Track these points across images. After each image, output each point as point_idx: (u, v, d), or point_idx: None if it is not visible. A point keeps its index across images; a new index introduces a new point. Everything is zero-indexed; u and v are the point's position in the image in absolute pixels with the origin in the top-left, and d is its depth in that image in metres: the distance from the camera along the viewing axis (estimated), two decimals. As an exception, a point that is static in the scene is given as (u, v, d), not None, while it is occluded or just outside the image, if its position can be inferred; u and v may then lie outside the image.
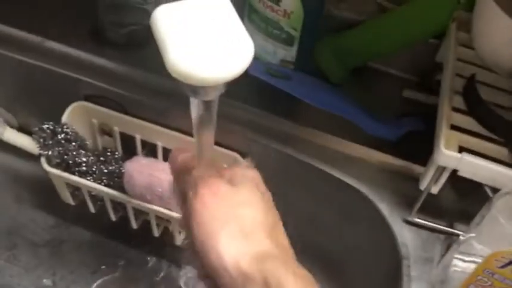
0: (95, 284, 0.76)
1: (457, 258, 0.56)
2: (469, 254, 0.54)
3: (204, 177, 0.41)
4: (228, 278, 0.37)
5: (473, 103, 0.56)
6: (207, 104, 0.38)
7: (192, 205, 0.39)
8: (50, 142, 0.69)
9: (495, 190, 0.52)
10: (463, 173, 0.54)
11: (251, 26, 0.68)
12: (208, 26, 0.34)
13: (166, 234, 0.75)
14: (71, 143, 0.70)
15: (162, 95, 0.68)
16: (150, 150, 0.73)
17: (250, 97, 0.68)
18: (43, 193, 0.79)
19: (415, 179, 0.60)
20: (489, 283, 0.51)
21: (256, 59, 0.70)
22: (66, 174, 0.69)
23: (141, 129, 0.71)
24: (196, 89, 0.35)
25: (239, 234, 0.38)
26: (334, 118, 0.66)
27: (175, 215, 0.66)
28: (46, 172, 0.69)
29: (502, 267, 0.48)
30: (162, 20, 0.34)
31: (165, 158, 0.71)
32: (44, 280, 0.76)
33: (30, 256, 0.77)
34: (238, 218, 0.39)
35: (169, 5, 0.35)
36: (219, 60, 0.32)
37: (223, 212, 0.39)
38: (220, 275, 0.37)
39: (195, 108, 0.38)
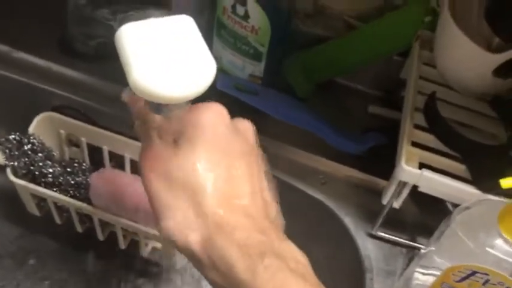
0: (60, 296, 0.75)
1: (418, 271, 0.57)
2: (430, 268, 0.55)
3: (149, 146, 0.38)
4: (178, 249, 0.36)
5: (433, 120, 0.58)
6: (170, 118, 0.38)
7: (142, 174, 0.38)
8: (16, 153, 0.68)
9: (456, 205, 0.54)
10: (423, 188, 0.55)
11: (220, 41, 0.69)
12: (171, 45, 0.35)
13: (133, 246, 0.75)
14: (37, 154, 0.70)
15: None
16: (118, 161, 0.73)
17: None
18: (8, 204, 0.78)
19: (379, 193, 0.62)
20: (447, 296, 0.52)
21: (225, 73, 0.71)
22: (32, 185, 0.68)
23: (109, 141, 0.71)
24: (159, 106, 0.35)
25: (188, 207, 0.36)
26: (300, 132, 0.67)
27: (142, 227, 0.66)
28: (12, 183, 0.68)
29: (459, 281, 0.50)
30: (127, 38, 0.35)
31: (133, 170, 0.71)
32: (8, 291, 0.75)
33: (-5, 268, 0.76)
34: (187, 187, 0.36)
35: (134, 23, 0.36)
36: (181, 78, 0.33)
37: (170, 183, 0.36)
38: (171, 244, 0.37)
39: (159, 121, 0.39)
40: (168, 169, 0.37)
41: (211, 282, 0.36)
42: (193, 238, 0.35)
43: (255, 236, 0.35)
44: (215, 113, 0.38)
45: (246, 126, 0.40)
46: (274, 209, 0.39)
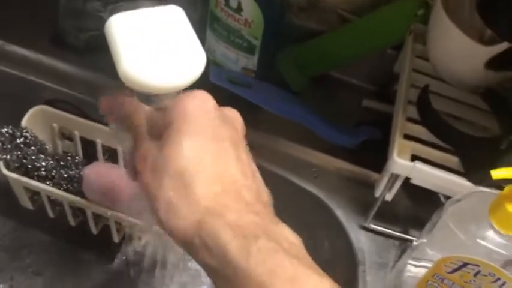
0: (53, 289, 0.75)
1: (410, 263, 0.57)
2: (422, 260, 0.55)
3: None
4: (170, 235, 0.36)
5: (425, 113, 0.58)
6: (160, 111, 0.38)
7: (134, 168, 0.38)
8: (9, 146, 0.68)
9: (448, 197, 0.54)
10: (416, 180, 0.55)
11: (213, 34, 0.69)
12: (161, 35, 0.34)
13: (126, 239, 0.75)
14: (30, 147, 0.70)
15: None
16: (111, 155, 0.73)
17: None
18: (1, 197, 0.78)
19: (372, 186, 0.62)
20: (439, 288, 0.52)
21: (218, 66, 0.71)
22: (25, 179, 0.68)
23: (102, 134, 0.71)
24: (148, 97, 0.35)
25: (178, 194, 0.36)
26: (293, 126, 0.67)
27: (135, 220, 0.66)
28: (4, 176, 0.68)
29: (451, 272, 0.50)
30: (116, 28, 0.35)
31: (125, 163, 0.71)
32: (1, 285, 0.75)
33: (-13, 262, 0.76)
34: (176, 175, 0.36)
35: (124, 13, 0.35)
36: (171, 68, 0.33)
37: (159, 171, 0.36)
38: (168, 233, 0.37)
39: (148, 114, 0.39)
40: (157, 161, 0.37)
41: (204, 266, 0.36)
42: (186, 223, 0.35)
43: (248, 217, 0.35)
44: (200, 101, 0.38)
45: (234, 115, 0.40)
46: (265, 194, 0.39)
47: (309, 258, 0.35)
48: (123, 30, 0.34)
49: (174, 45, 0.34)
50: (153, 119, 0.38)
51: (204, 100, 0.38)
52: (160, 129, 0.38)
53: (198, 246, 0.35)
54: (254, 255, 0.33)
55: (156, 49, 0.34)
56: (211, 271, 0.36)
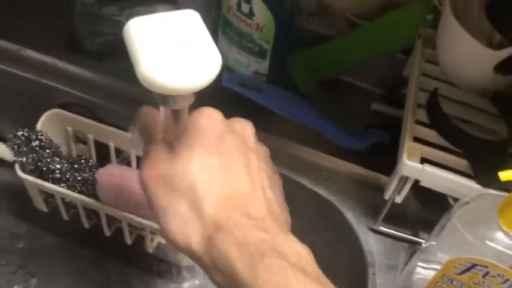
0: (67, 290, 0.76)
1: (419, 265, 0.58)
2: (431, 262, 0.56)
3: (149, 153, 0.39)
4: (180, 251, 0.37)
5: (435, 116, 0.59)
6: (176, 113, 0.39)
7: (141, 179, 0.39)
8: (25, 149, 0.70)
9: (457, 200, 0.54)
10: (425, 183, 0.56)
11: (225, 39, 0.70)
12: (178, 38, 0.36)
13: (139, 241, 0.76)
14: (45, 150, 0.71)
15: (136, 104, 0.69)
16: (124, 158, 0.74)
17: (224, 108, 0.69)
18: (16, 200, 0.79)
19: (381, 189, 0.62)
20: (448, 289, 0.53)
21: (230, 71, 0.72)
22: (39, 181, 0.69)
23: (115, 138, 0.72)
24: (165, 98, 0.36)
25: (187, 210, 0.36)
26: (304, 129, 0.68)
27: (148, 222, 0.67)
28: (20, 179, 0.69)
29: (460, 273, 0.51)
30: (134, 31, 0.36)
31: (139, 166, 0.72)
32: (16, 287, 0.76)
33: (2, 263, 0.77)
34: (185, 190, 0.36)
35: (141, 17, 0.37)
36: (188, 70, 0.34)
37: (168, 187, 0.37)
38: (173, 246, 0.37)
39: (164, 116, 0.40)
40: (166, 173, 0.38)
41: (216, 284, 0.36)
42: (194, 240, 0.36)
43: (255, 234, 0.35)
44: (209, 118, 0.39)
45: (243, 127, 0.41)
46: (277, 205, 0.39)
47: (316, 271, 0.35)
48: (141, 34, 0.35)
49: (190, 48, 0.35)
50: (167, 131, 0.40)
51: (213, 117, 0.39)
52: (170, 141, 0.39)
53: (207, 264, 0.36)
54: (261, 275, 0.33)
55: (173, 51, 0.35)
56: (220, 287, 0.36)
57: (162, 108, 0.39)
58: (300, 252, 0.35)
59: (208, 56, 0.35)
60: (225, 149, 0.38)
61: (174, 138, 0.39)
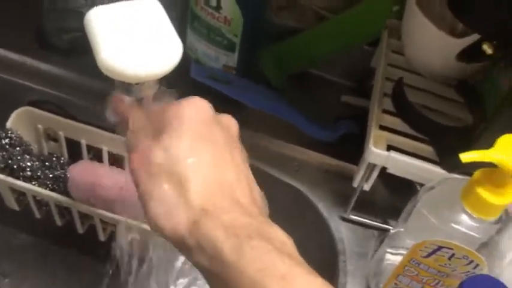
0: (41, 288, 0.76)
1: (388, 252, 0.59)
2: (399, 248, 0.57)
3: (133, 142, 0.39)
4: (164, 236, 0.37)
5: (400, 105, 0.60)
6: (141, 102, 0.39)
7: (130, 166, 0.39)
8: (-6, 147, 0.69)
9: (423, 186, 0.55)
10: (392, 169, 0.57)
11: (194, 33, 0.70)
12: (139, 26, 0.36)
13: (113, 238, 0.75)
14: (15, 148, 0.70)
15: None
16: (96, 154, 0.73)
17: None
18: (-13, 199, 0.78)
19: (351, 179, 0.63)
20: (415, 272, 0.54)
21: (199, 64, 0.73)
22: (10, 179, 0.69)
23: (86, 134, 0.72)
24: (128, 87, 0.37)
25: (174, 194, 0.37)
26: (275, 121, 0.69)
27: (121, 218, 0.67)
28: (-10, 177, 0.68)
29: (426, 256, 0.52)
30: (95, 20, 0.36)
31: (111, 162, 0.72)
32: (-12, 286, 0.75)
33: (-26, 263, 0.77)
34: (173, 176, 0.37)
35: (102, 6, 0.37)
36: (148, 57, 0.35)
37: (155, 172, 0.37)
38: (159, 233, 0.37)
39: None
40: (152, 160, 0.38)
41: (199, 267, 0.37)
42: (181, 223, 0.36)
43: (242, 218, 0.36)
44: (198, 107, 0.39)
45: (230, 122, 0.41)
46: (260, 197, 0.40)
47: (300, 258, 0.36)
48: (102, 22, 0.36)
49: (151, 35, 0.36)
50: (148, 119, 0.40)
51: (201, 106, 0.39)
52: (155, 130, 0.39)
53: (192, 247, 0.36)
54: (247, 255, 0.33)
55: (133, 39, 0.35)
56: (205, 271, 0.36)
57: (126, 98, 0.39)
58: (284, 239, 0.36)
59: (169, 43, 0.36)
60: (212, 136, 0.38)
61: (160, 126, 0.39)
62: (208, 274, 0.36)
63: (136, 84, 0.37)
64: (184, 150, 0.37)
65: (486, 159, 0.45)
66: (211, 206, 0.36)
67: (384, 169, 0.59)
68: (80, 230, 0.74)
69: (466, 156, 0.44)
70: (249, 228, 0.35)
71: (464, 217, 0.49)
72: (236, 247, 0.34)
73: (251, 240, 0.34)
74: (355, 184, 0.61)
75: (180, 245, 0.37)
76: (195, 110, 0.39)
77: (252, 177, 0.40)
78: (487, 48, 0.53)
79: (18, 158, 0.70)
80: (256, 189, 0.40)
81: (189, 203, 0.36)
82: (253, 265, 0.33)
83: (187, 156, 0.37)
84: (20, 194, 0.73)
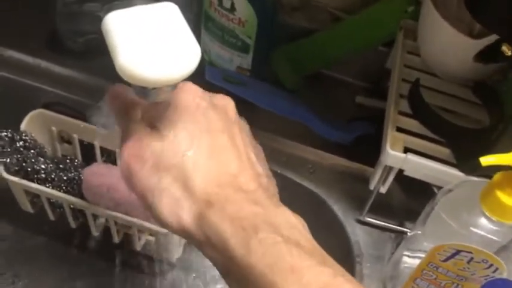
0: (55, 291, 0.76)
1: (405, 255, 0.58)
2: (417, 251, 0.57)
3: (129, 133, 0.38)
4: (173, 231, 0.37)
5: (417, 106, 0.59)
6: (157, 105, 0.39)
7: (122, 160, 0.38)
8: (9, 149, 0.69)
9: (440, 188, 0.55)
10: (408, 172, 0.57)
11: (208, 34, 0.70)
12: (157, 30, 0.36)
13: (127, 240, 0.75)
14: (29, 151, 0.71)
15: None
16: (109, 156, 0.74)
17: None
18: (1, 201, 0.78)
19: (367, 180, 0.63)
20: (434, 276, 0.53)
21: (213, 66, 0.73)
22: (24, 182, 0.69)
23: (100, 136, 0.72)
24: (145, 91, 0.36)
25: (177, 188, 0.36)
26: (289, 123, 0.68)
27: (135, 220, 0.67)
28: (4, 180, 0.68)
29: (445, 260, 0.51)
30: (113, 24, 0.36)
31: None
32: (3, 289, 0.75)
33: (-12, 265, 0.77)
34: (173, 169, 0.36)
35: (120, 10, 0.37)
36: (166, 62, 0.34)
37: (154, 167, 0.36)
38: (165, 227, 0.37)
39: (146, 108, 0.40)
40: (150, 154, 0.37)
41: (211, 260, 0.36)
42: (186, 218, 0.36)
43: (247, 207, 0.35)
44: (189, 93, 0.38)
45: (225, 102, 0.40)
46: (265, 177, 0.39)
47: (310, 241, 0.35)
48: (120, 27, 0.35)
49: (169, 40, 0.35)
50: (144, 112, 0.39)
51: (193, 92, 0.39)
52: (150, 122, 0.38)
53: (201, 240, 0.35)
54: (254, 249, 0.33)
55: (152, 44, 0.35)
56: (216, 263, 0.36)
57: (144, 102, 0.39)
58: (292, 222, 0.35)
59: (187, 48, 0.35)
60: (208, 123, 0.38)
61: (155, 116, 0.38)
62: (219, 266, 0.36)
63: (153, 88, 0.36)
64: (182, 142, 0.37)
65: (506, 163, 0.44)
66: (215, 196, 0.35)
67: (400, 171, 0.58)
68: (94, 232, 0.74)
69: (485, 160, 0.43)
70: (256, 219, 0.34)
71: (483, 220, 0.49)
72: (243, 242, 0.33)
73: (258, 232, 0.33)
74: (372, 186, 0.60)
75: (191, 239, 0.36)
76: (188, 97, 0.38)
77: (254, 157, 0.39)
78: (506, 50, 0.52)
79: (33, 160, 0.70)
80: (261, 169, 0.39)
81: (192, 196, 0.36)
82: (261, 260, 0.33)
83: (185, 148, 0.36)
84: (34, 196, 0.73)
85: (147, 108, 0.38)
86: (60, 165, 0.72)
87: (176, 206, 0.36)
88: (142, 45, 0.34)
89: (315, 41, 0.73)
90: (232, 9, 0.65)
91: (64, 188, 0.70)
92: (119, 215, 0.67)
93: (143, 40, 0.35)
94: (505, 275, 0.50)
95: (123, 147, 0.39)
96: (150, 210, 0.37)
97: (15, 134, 0.70)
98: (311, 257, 0.33)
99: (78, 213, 0.73)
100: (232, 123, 0.39)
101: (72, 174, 0.71)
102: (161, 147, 0.37)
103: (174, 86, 0.37)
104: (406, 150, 0.56)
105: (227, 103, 0.40)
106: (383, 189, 0.60)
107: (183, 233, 0.36)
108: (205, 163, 0.36)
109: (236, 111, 0.40)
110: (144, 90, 0.37)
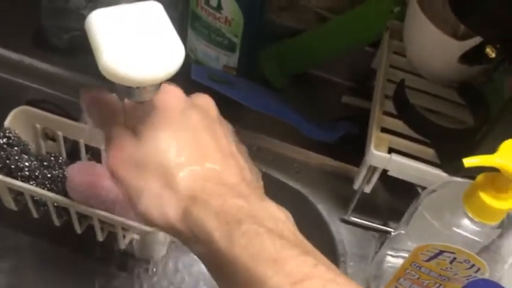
0: (38, 290, 0.75)
1: (389, 254, 0.59)
2: (400, 250, 0.57)
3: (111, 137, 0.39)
4: (160, 229, 0.37)
5: (402, 107, 0.59)
6: (141, 105, 0.39)
7: (108, 165, 0.39)
8: (-8, 147, 0.69)
9: (425, 189, 0.55)
10: (393, 172, 0.57)
11: (194, 33, 0.70)
12: (141, 29, 0.35)
13: (111, 238, 0.75)
14: (13, 148, 0.70)
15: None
16: (94, 154, 0.73)
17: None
18: (-16, 199, 0.78)
19: (351, 180, 0.63)
20: (417, 276, 0.53)
21: (199, 64, 0.72)
22: (8, 179, 0.68)
23: (85, 134, 0.71)
24: (129, 90, 0.36)
25: (162, 187, 0.36)
26: (275, 122, 0.68)
27: (119, 218, 0.67)
28: (-13, 177, 0.68)
29: (428, 260, 0.51)
30: (96, 23, 0.35)
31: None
32: (-15, 287, 0.75)
33: (-30, 263, 0.76)
34: (156, 169, 0.37)
35: (104, 9, 0.36)
36: (150, 61, 0.34)
37: (138, 168, 0.37)
38: (152, 226, 0.38)
39: (129, 108, 0.39)
40: (134, 155, 0.38)
41: (198, 255, 0.37)
42: (171, 215, 0.36)
43: (231, 201, 0.35)
44: (169, 94, 0.39)
45: (206, 101, 0.41)
46: (248, 171, 0.40)
47: (294, 234, 0.36)
48: (103, 25, 0.35)
49: (153, 39, 0.35)
50: (126, 114, 0.39)
51: (172, 94, 0.39)
52: (132, 124, 0.39)
53: (185, 236, 0.36)
54: (238, 241, 0.34)
55: (135, 43, 0.35)
56: (202, 258, 0.37)
57: (127, 102, 0.39)
58: (276, 214, 0.36)
59: (172, 47, 0.35)
60: (189, 122, 0.38)
61: (136, 120, 0.38)
62: (204, 260, 0.36)
63: (137, 88, 0.36)
64: (164, 141, 0.37)
65: (489, 164, 0.44)
66: (199, 192, 0.36)
67: (384, 171, 0.58)
68: (78, 230, 0.73)
69: (469, 161, 0.44)
70: (240, 212, 0.35)
71: (466, 221, 0.49)
72: (227, 234, 0.34)
73: (241, 225, 0.34)
74: (356, 186, 0.60)
75: (178, 235, 0.37)
76: (169, 98, 0.38)
77: (237, 153, 0.40)
78: (490, 52, 0.53)
79: (16, 157, 0.70)
80: (245, 164, 0.40)
81: (176, 193, 0.36)
82: (244, 252, 0.33)
83: (168, 146, 0.37)
84: (17, 194, 0.72)
85: (129, 112, 0.39)
86: (44, 163, 0.71)
87: (162, 205, 0.37)
88: (126, 44, 0.34)
89: (301, 41, 0.73)
90: (219, 7, 0.65)
91: (48, 185, 0.70)
92: (103, 213, 0.67)
93: (127, 39, 0.35)
94: (486, 276, 0.51)
95: (109, 154, 0.39)
96: (136, 210, 0.38)
97: (-2, 131, 0.69)
98: (294, 247, 0.34)
99: (62, 211, 0.72)
100: (214, 121, 0.40)
101: (57, 171, 0.70)
102: (144, 150, 0.37)
103: (158, 86, 0.37)
104: (391, 150, 0.56)
105: (208, 102, 0.41)
106: (367, 189, 0.60)
107: (170, 229, 0.37)
108: (186, 161, 0.37)
109: (217, 110, 0.41)
110: (128, 90, 0.36)
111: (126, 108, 0.39)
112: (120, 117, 0.40)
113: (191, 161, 0.37)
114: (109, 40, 0.34)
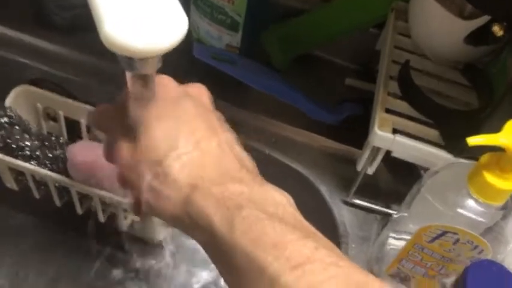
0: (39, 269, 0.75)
1: (391, 236, 0.58)
2: (403, 232, 0.56)
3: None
4: (163, 220, 0.38)
5: (406, 88, 0.59)
6: (143, 80, 0.38)
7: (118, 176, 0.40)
8: (-7, 126, 0.68)
9: (427, 170, 0.55)
10: (396, 153, 0.56)
11: (197, 11, 0.69)
12: (143, 0, 0.35)
13: (112, 219, 0.75)
14: (14, 127, 0.69)
15: (107, 79, 0.68)
16: (95, 135, 0.73)
17: (195, 81, 0.69)
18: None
19: (354, 162, 0.63)
20: (419, 257, 0.53)
21: (202, 43, 0.72)
22: (9, 158, 0.68)
23: (86, 114, 0.71)
24: (131, 62, 0.36)
25: (163, 180, 0.37)
26: (277, 102, 0.68)
27: (120, 199, 0.67)
28: (-12, 156, 0.68)
29: (431, 241, 0.51)
30: (98, -7, 0.35)
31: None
32: (-14, 267, 0.75)
33: (-28, 243, 0.76)
34: (157, 162, 0.37)
35: (105, -21, 0.36)
36: (153, 31, 0.33)
37: (137, 164, 0.38)
38: (153, 215, 0.38)
39: (131, 83, 0.39)
40: (133, 153, 0.38)
41: (199, 242, 0.37)
42: (173, 203, 0.36)
43: (231, 187, 0.36)
44: (161, 85, 0.39)
45: (199, 91, 0.41)
46: (247, 159, 0.39)
47: (295, 217, 0.36)
48: (105, -5, 0.35)
49: (156, 9, 0.34)
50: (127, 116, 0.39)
51: (165, 84, 0.39)
52: (132, 124, 0.39)
53: (187, 224, 0.36)
54: (238, 226, 0.33)
55: (138, 12, 0.34)
56: (203, 245, 0.37)
57: (129, 76, 0.38)
58: (277, 199, 0.36)
59: (175, 17, 0.34)
60: (183, 112, 0.38)
61: (134, 116, 0.39)
62: (206, 247, 0.36)
63: (140, 60, 0.35)
64: (160, 134, 0.37)
65: (493, 144, 0.44)
66: (200, 180, 0.36)
67: (387, 153, 0.58)
68: (79, 210, 0.73)
69: (473, 140, 0.43)
70: (240, 197, 0.35)
71: (470, 202, 0.49)
72: (227, 220, 0.34)
73: (242, 210, 0.34)
74: (359, 168, 0.60)
75: (180, 224, 0.37)
76: (160, 90, 0.38)
77: (233, 140, 0.40)
78: (498, 30, 0.52)
79: (17, 137, 0.69)
80: (241, 151, 0.40)
81: (177, 183, 0.36)
82: (244, 236, 0.33)
83: (164, 139, 0.37)
84: (18, 174, 0.72)
85: (128, 110, 0.39)
86: (46, 143, 0.71)
87: (162, 195, 0.37)
88: (128, 14, 0.34)
89: (305, 21, 0.72)
90: (222, -15, 0.64)
91: (49, 165, 0.70)
92: (103, 193, 0.66)
93: (129, 8, 0.34)
94: (490, 257, 0.50)
95: (117, 160, 0.40)
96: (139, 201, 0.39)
97: (-1, 110, 0.69)
98: (294, 231, 0.33)
99: (63, 191, 0.72)
100: (207, 109, 0.40)
101: (58, 151, 0.70)
102: (140, 144, 0.38)
103: (160, 58, 0.36)
104: (395, 131, 0.56)
105: (201, 91, 0.41)
106: (370, 171, 0.60)
107: (173, 219, 0.37)
108: (184, 151, 0.37)
109: (211, 98, 0.41)
110: (130, 62, 0.36)
111: (132, 93, 0.38)
112: (120, 119, 0.40)
113: (187, 152, 0.37)
114: (110, 9, 0.34)
